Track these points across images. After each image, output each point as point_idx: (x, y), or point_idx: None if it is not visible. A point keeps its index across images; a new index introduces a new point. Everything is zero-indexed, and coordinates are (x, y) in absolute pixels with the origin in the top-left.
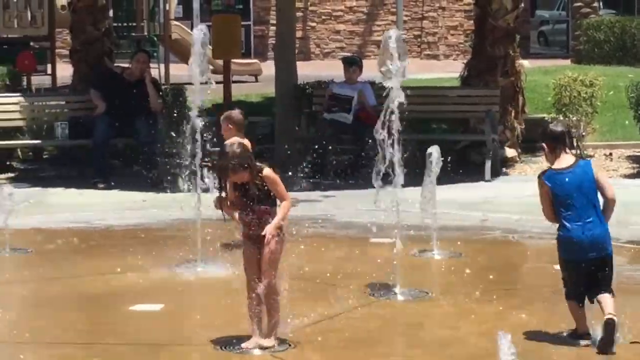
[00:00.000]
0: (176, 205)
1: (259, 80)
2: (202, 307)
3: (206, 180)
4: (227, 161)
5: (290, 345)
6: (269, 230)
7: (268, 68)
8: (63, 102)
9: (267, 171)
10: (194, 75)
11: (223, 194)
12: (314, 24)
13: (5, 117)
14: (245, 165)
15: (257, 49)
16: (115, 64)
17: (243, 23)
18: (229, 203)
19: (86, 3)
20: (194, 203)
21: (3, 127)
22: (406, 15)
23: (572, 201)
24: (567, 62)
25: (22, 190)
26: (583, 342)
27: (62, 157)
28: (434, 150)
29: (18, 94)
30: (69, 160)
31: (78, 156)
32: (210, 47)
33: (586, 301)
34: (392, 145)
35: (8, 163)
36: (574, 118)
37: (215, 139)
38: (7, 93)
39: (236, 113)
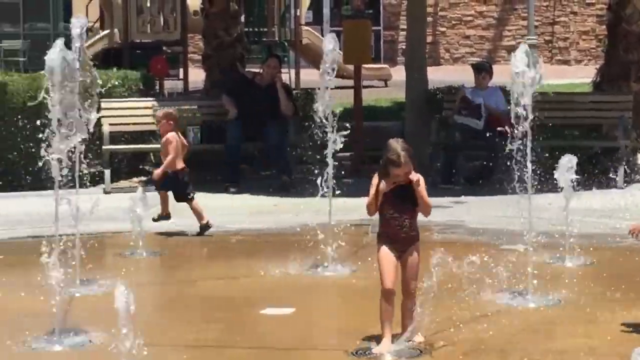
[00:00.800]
0: (306, 210)
1: (388, 85)
2: (333, 311)
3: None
4: (397, 155)
5: (421, 351)
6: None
7: (397, 73)
8: (195, 107)
9: (419, 175)
10: (323, 81)
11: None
12: (443, 29)
13: (138, 121)
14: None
15: (387, 54)
16: (247, 69)
17: (373, 28)
18: (378, 202)
19: (219, 8)
20: (324, 207)
21: (136, 130)
22: (537, 20)
23: None
24: None
25: (154, 194)
26: None
27: (194, 161)
28: (568, 159)
29: (151, 99)
30: (201, 164)
31: (210, 160)
32: (341, 52)
33: None
34: (524, 151)
35: (141, 167)
36: None
37: (343, 144)
38: (141, 97)
39: (174, 110)
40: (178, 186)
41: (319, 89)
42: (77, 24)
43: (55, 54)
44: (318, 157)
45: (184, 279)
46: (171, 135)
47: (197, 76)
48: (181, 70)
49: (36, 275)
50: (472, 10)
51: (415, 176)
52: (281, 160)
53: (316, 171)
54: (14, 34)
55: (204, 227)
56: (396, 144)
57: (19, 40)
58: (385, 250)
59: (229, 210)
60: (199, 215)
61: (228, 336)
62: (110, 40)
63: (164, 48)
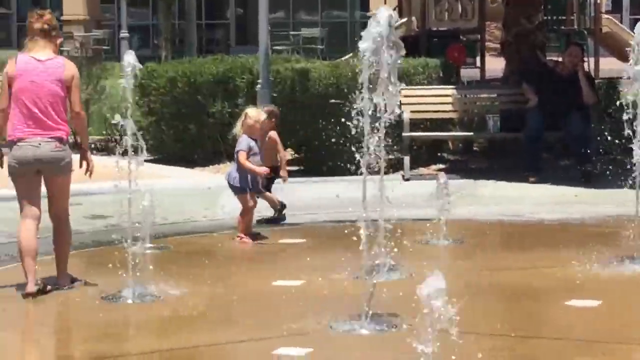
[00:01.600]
0: (608, 201)
1: None
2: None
3: None
4: None
5: None
6: None
7: None
8: (494, 95)
9: None
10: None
11: None
12: None
13: (438, 109)
14: None
15: None
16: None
17: None
18: None
19: None
20: (627, 199)
21: (436, 118)
22: None
23: None
24: None
25: (453, 181)
26: None
27: (493, 149)
28: None
29: (451, 86)
30: (500, 153)
31: (509, 149)
32: None
33: None
34: None
35: (439, 154)
36: None
37: None
38: (441, 85)
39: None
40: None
41: (621, 78)
42: (384, 13)
43: (368, 37)
44: (621, 147)
45: (483, 267)
46: (274, 133)
47: (493, 64)
48: (478, 58)
49: (338, 260)
50: None
51: None
52: (583, 150)
53: (620, 162)
54: (312, 22)
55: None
56: None
57: (317, 28)
58: None
59: (529, 199)
60: (272, 202)
61: (531, 326)
62: (407, 28)
63: (461, 36)
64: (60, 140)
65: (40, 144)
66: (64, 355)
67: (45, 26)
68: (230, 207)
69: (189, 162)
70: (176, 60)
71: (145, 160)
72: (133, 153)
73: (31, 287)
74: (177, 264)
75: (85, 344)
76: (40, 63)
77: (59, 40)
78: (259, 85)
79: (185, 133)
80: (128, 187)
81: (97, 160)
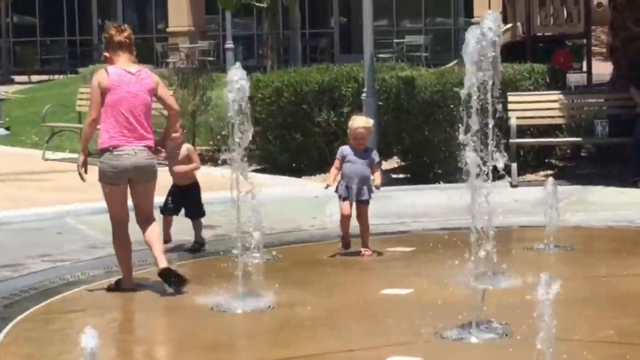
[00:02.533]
0: None
1: None
2: None
3: None
4: None
5: None
6: None
7: None
8: (602, 100)
9: None
10: None
11: None
12: None
13: (545, 115)
14: None
15: None
16: None
17: None
18: None
19: (627, 0)
20: None
21: (543, 124)
22: None
23: None
24: None
25: (561, 187)
26: None
27: (601, 155)
28: None
29: (558, 92)
30: (609, 158)
31: (617, 154)
32: None
33: None
34: None
35: (547, 160)
36: None
37: None
38: (547, 91)
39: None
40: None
41: None
42: (490, 18)
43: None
44: None
45: (594, 274)
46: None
47: (599, 69)
48: (584, 63)
49: (447, 267)
50: None
51: None
52: None
53: None
54: (416, 29)
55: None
56: None
57: (420, 36)
58: None
59: (639, 205)
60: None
61: None
62: (512, 34)
63: (566, 41)
64: (150, 148)
65: (136, 152)
66: None
67: (127, 40)
68: (337, 215)
69: (295, 171)
70: (281, 70)
71: (252, 170)
72: (239, 163)
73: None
74: (286, 273)
75: (196, 354)
76: (132, 75)
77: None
78: (364, 94)
79: (292, 142)
80: (235, 197)
81: (204, 170)
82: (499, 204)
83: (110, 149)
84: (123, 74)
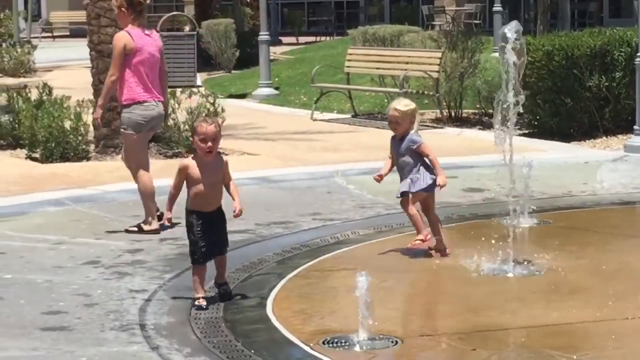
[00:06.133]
0: None
1: None
2: None
3: None
4: None
5: None
6: None
7: None
8: None
9: None
10: None
11: None
12: None
13: None
14: None
15: None
16: None
17: None
18: None
19: None
20: None
21: None
22: None
23: None
24: None
25: None
26: None
27: None
28: None
29: None
30: None
31: None
32: None
33: None
34: None
35: None
36: None
37: None
38: None
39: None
40: None
41: None
42: None
43: None
44: None
45: None
46: None
47: None
48: None
49: None
50: None
51: None
52: None
53: None
54: None
55: None
56: None
57: None
58: None
59: None
60: None
61: None
62: None
63: None
64: (161, 102)
65: (157, 104)
66: (445, 325)
67: (149, 1)
68: (609, 182)
69: (565, 136)
70: (552, 34)
71: (521, 134)
72: (508, 127)
73: (155, 225)
74: (557, 238)
75: (464, 316)
76: (149, 37)
77: None
78: (638, 59)
79: (562, 107)
80: (504, 161)
81: (469, 133)
82: None
83: (139, 101)
84: (143, 36)
